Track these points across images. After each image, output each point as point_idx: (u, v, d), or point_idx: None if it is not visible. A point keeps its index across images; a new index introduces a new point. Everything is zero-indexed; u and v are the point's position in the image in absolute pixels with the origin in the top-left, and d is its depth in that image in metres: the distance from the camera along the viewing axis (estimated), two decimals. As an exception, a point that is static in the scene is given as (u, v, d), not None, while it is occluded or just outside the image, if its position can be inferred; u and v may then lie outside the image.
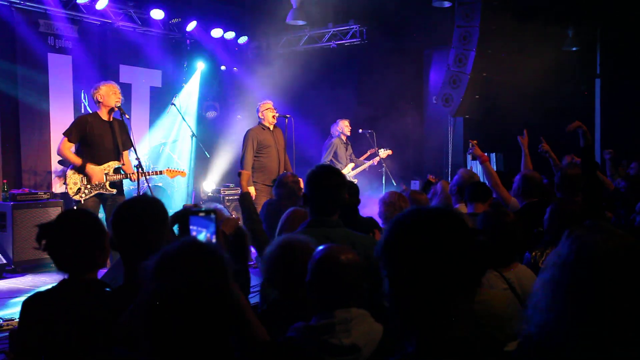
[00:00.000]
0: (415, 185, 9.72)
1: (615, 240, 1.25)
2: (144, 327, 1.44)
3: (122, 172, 6.05)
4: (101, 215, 6.82)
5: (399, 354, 1.36)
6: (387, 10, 9.68)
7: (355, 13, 10.17)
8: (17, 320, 2.26)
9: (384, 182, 9.08)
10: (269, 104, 7.26)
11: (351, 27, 10.32)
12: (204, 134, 9.63)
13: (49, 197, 7.25)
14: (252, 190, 4.48)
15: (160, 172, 6.48)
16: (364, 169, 8.86)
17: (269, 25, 10.50)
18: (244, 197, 3.87)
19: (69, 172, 5.88)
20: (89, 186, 5.88)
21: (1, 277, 6.48)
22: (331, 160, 8.56)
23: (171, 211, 2.27)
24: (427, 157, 10.28)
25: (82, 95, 8.08)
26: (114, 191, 5.95)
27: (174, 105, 8.31)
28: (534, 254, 3.37)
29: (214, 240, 1.93)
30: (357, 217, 4.22)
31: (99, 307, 2.12)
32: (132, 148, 6.04)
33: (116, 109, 5.92)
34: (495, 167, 8.35)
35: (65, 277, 2.25)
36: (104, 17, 8.72)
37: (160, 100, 9.53)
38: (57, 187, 8.11)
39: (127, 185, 6.79)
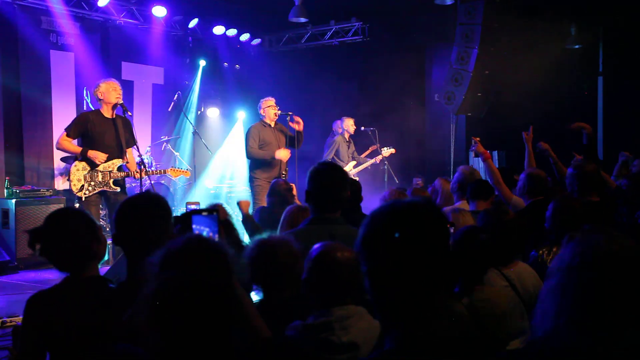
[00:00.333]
0: (417, 182, 9.73)
1: (617, 242, 1.25)
2: (148, 322, 1.45)
3: (126, 170, 6.06)
4: (104, 211, 6.86)
5: (378, 351, 1.35)
6: (390, 8, 9.68)
7: (357, 10, 10.17)
8: (21, 317, 2.27)
9: (386, 179, 9.09)
10: (271, 101, 7.25)
11: (353, 24, 10.31)
12: (205, 131, 9.65)
13: (51, 193, 7.28)
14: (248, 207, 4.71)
15: (164, 172, 6.50)
16: (367, 167, 8.86)
17: (271, 23, 10.50)
18: (246, 219, 4.36)
19: (73, 169, 5.89)
20: (92, 183, 5.88)
21: (4, 274, 6.51)
22: (333, 157, 8.55)
23: (173, 208, 2.27)
24: (429, 154, 10.28)
25: (85, 92, 8.09)
26: (117, 189, 5.96)
27: (176, 102, 8.34)
28: (540, 252, 3.36)
29: (216, 238, 1.94)
30: (359, 214, 4.24)
31: (102, 304, 2.13)
32: (134, 145, 6.06)
33: (118, 105, 5.93)
34: (497, 165, 8.34)
35: (67, 275, 2.26)
36: (106, 14, 8.73)
37: (163, 97, 9.54)
38: (60, 184, 8.13)
39: (130, 182, 6.81)
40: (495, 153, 8.88)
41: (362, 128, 9.14)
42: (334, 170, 2.98)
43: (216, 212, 1.97)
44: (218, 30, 9.98)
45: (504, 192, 4.74)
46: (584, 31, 9.01)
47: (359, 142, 9.19)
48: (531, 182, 4.43)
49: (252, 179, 7.15)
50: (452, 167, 9.22)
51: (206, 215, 1.95)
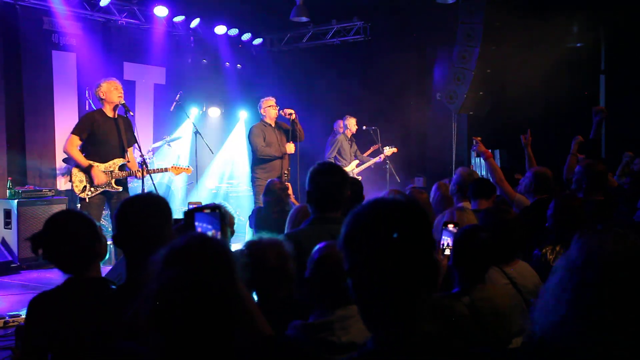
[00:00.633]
0: (419, 182, 9.73)
1: (624, 243, 1.23)
2: (149, 321, 1.45)
3: (128, 170, 6.06)
4: (106, 212, 6.87)
5: (360, 351, 1.33)
6: (391, 7, 9.68)
7: (359, 10, 10.17)
8: (23, 317, 2.29)
9: (388, 179, 9.08)
10: (272, 100, 7.25)
11: (355, 23, 10.31)
12: (207, 131, 9.65)
13: (53, 194, 7.29)
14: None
15: (166, 170, 6.48)
16: (369, 166, 8.86)
17: (273, 22, 10.51)
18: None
19: (74, 170, 5.88)
20: (94, 183, 5.89)
21: (6, 274, 6.52)
22: (335, 156, 8.56)
23: (175, 209, 2.28)
24: (431, 153, 10.27)
25: (86, 92, 8.10)
26: (120, 188, 5.96)
27: (178, 102, 8.34)
28: (544, 250, 3.36)
29: (219, 236, 1.95)
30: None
31: (103, 305, 2.13)
32: (136, 145, 6.06)
33: (120, 105, 5.92)
34: (499, 164, 8.33)
35: (70, 276, 2.28)
36: (108, 14, 8.74)
37: (164, 97, 9.54)
38: (62, 184, 8.14)
39: (132, 182, 6.82)
40: (497, 152, 8.88)
41: (364, 127, 9.14)
42: (334, 170, 2.98)
43: (219, 210, 1.98)
44: (220, 30, 9.99)
45: (506, 190, 4.74)
46: (586, 29, 8.99)
47: (361, 141, 9.19)
48: (538, 180, 4.44)
49: (253, 179, 7.16)
50: (453, 166, 9.21)
51: (209, 212, 1.95)
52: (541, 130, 7.60)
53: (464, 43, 8.56)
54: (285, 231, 3.39)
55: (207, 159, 9.84)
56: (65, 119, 8.15)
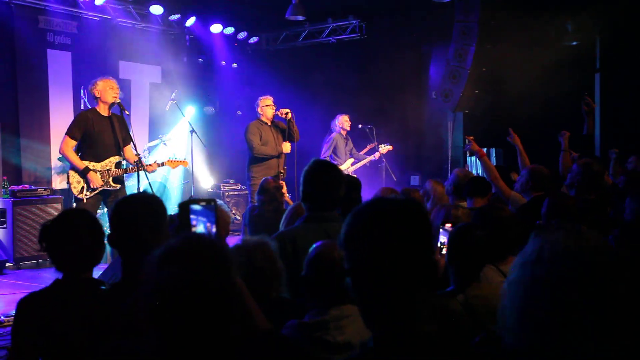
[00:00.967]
0: (415, 180, 9.74)
1: (575, 240, 1.19)
2: (147, 320, 1.45)
3: (124, 167, 6.05)
4: (101, 210, 6.84)
5: (360, 349, 1.33)
6: (387, 6, 9.68)
7: (354, 8, 10.17)
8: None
9: (384, 177, 9.09)
10: (269, 99, 7.24)
11: (351, 22, 10.32)
12: (203, 130, 9.63)
13: (49, 193, 7.27)
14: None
15: (162, 164, 6.43)
16: (365, 164, 8.86)
17: (269, 21, 10.50)
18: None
19: (71, 171, 5.86)
20: (91, 187, 5.86)
21: (1, 273, 6.51)
22: (331, 155, 8.56)
23: (170, 207, 2.27)
24: (427, 151, 10.28)
25: (82, 91, 8.08)
26: (118, 186, 5.95)
27: (173, 101, 8.33)
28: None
29: (214, 229, 1.94)
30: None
31: (94, 306, 2.12)
32: (132, 144, 6.04)
33: (115, 104, 5.90)
34: (495, 162, 8.35)
35: (59, 276, 2.25)
36: (103, 13, 8.72)
37: (160, 96, 9.53)
38: (57, 184, 8.12)
39: (128, 180, 6.80)
40: (492, 150, 8.89)
41: (360, 125, 9.14)
42: (328, 169, 2.98)
43: (214, 203, 1.97)
44: (215, 28, 9.98)
45: (502, 188, 4.74)
46: (581, 28, 9.01)
47: (356, 139, 9.20)
48: (534, 177, 4.44)
49: (249, 178, 7.15)
50: (449, 165, 9.23)
51: (204, 205, 1.95)
52: (537, 128, 7.62)
53: (460, 41, 8.56)
54: (280, 229, 3.39)
55: (203, 157, 9.85)
56: (60, 118, 8.13)
